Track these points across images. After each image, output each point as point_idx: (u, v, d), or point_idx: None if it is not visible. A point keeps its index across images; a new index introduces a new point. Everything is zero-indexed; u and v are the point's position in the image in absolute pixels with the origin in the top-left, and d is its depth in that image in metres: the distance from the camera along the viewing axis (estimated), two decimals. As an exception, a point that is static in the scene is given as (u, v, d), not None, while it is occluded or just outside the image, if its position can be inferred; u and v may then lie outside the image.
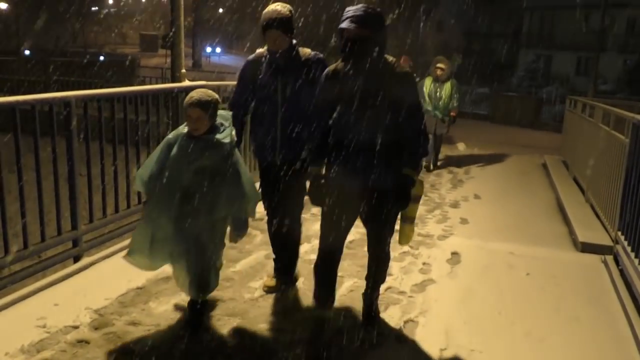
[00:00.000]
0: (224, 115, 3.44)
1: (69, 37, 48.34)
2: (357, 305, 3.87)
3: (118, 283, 4.01)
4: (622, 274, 4.66)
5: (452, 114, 9.14)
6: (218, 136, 3.30)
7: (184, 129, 3.36)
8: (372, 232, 3.52)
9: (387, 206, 3.29)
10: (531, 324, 3.82)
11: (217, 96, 3.35)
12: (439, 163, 9.66)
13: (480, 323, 3.80)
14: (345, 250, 4.95)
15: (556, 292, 4.39)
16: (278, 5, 3.76)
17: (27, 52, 31.58)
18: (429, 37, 32.19)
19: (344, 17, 3.07)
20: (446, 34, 34.46)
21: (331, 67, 3.34)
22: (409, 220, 3.61)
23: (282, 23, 3.68)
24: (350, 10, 3.08)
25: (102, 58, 34.25)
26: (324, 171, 3.39)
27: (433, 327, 3.70)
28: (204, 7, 41.98)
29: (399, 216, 3.50)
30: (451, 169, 9.45)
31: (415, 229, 5.84)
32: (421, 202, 6.92)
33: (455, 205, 7.06)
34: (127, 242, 4.00)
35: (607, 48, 28.09)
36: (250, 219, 3.57)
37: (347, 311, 3.83)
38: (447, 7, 38.71)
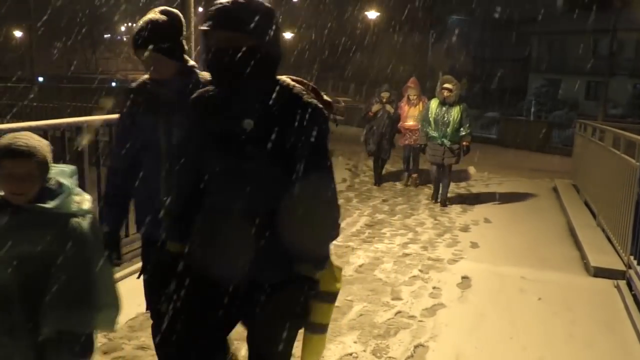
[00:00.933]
0: (62, 170, 2.22)
1: (82, 64, 49.15)
2: (367, 330, 3.85)
3: (127, 307, 3.91)
4: (635, 298, 4.61)
5: (464, 143, 7.97)
6: (53, 204, 2.10)
7: None
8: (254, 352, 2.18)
9: (275, 311, 2.08)
10: (543, 349, 3.78)
11: (46, 142, 2.15)
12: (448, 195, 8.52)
13: (491, 348, 3.75)
14: (354, 274, 4.99)
15: (568, 317, 4.34)
16: (155, 12, 2.53)
17: (40, 79, 32.17)
18: (437, 62, 32.40)
19: (207, 13, 1.97)
20: (455, 58, 34.69)
21: (197, 94, 2.15)
22: (319, 329, 2.26)
23: (157, 38, 2.46)
24: (219, 2, 1.95)
25: (113, 84, 34.75)
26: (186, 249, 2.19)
27: (444, 352, 3.66)
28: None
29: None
30: (461, 193, 9.42)
31: (425, 253, 5.87)
32: (431, 226, 7.01)
33: (465, 229, 7.03)
34: (137, 265, 4.00)
35: (617, 72, 28.15)
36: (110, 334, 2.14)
37: (356, 336, 3.80)
38: (456, 32, 39.01)
